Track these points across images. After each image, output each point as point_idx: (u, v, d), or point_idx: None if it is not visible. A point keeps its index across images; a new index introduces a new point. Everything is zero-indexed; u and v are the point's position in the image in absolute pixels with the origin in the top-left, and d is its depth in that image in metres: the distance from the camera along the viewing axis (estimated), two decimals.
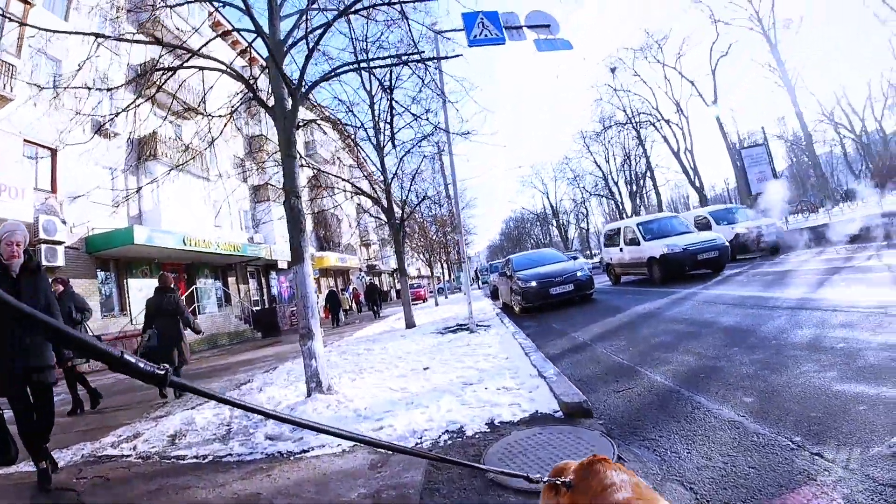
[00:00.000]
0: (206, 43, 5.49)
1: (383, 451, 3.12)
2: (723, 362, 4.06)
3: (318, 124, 9.09)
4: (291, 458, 3.30)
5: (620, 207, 46.69)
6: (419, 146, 11.52)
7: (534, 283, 10.99)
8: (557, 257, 13.27)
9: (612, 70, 39.05)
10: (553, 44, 9.56)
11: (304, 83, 5.31)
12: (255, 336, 18.72)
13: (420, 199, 13.63)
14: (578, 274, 11.01)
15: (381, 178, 12.34)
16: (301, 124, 5.45)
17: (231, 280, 21.25)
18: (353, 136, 11.50)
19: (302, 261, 4.94)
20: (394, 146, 9.23)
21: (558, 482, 1.37)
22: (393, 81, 6.44)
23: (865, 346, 3.60)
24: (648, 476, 2.40)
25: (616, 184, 47.07)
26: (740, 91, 55.44)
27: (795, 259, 10.66)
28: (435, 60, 5.97)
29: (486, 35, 6.59)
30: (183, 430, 4.52)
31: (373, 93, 11.74)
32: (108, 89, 5.66)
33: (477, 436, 3.16)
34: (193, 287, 17.93)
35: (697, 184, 35.90)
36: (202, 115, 6.33)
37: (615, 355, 5.14)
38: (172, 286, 6.82)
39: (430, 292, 36.90)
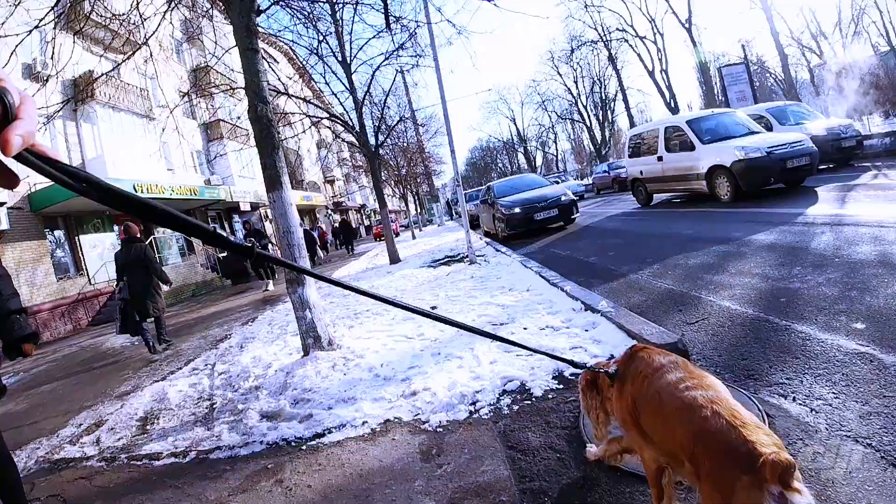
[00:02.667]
0: None
1: (430, 430, 2.39)
2: (796, 283, 3.49)
3: (269, 54, 7.60)
4: (304, 447, 2.52)
5: (591, 132, 45.60)
6: (396, 56, 10.02)
7: (517, 210, 10.71)
8: (539, 182, 12.82)
9: None
10: None
11: None
12: (225, 284, 17.73)
13: (395, 122, 12.30)
14: (562, 199, 10.72)
15: (349, 100, 10.96)
16: (261, 9, 4.24)
17: None
18: (316, 50, 9.93)
19: (280, 186, 3.95)
20: (388, 28, 7.82)
21: (601, 371, 1.40)
22: None
23: None
24: (810, 433, 1.79)
25: (585, 107, 45.66)
26: (712, 12, 53.15)
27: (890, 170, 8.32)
28: None
29: None
30: (154, 409, 3.73)
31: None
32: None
33: (551, 395, 2.47)
34: (152, 237, 16.52)
35: (673, 104, 35.00)
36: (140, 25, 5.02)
37: (656, 281, 4.53)
38: (139, 235, 6.50)
39: (402, 226, 36.06)
